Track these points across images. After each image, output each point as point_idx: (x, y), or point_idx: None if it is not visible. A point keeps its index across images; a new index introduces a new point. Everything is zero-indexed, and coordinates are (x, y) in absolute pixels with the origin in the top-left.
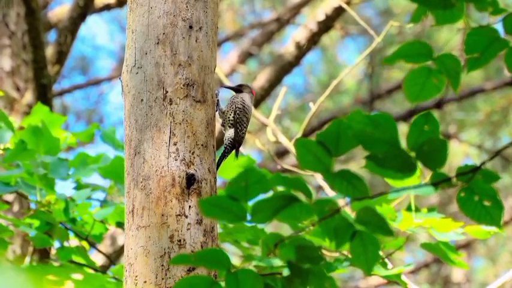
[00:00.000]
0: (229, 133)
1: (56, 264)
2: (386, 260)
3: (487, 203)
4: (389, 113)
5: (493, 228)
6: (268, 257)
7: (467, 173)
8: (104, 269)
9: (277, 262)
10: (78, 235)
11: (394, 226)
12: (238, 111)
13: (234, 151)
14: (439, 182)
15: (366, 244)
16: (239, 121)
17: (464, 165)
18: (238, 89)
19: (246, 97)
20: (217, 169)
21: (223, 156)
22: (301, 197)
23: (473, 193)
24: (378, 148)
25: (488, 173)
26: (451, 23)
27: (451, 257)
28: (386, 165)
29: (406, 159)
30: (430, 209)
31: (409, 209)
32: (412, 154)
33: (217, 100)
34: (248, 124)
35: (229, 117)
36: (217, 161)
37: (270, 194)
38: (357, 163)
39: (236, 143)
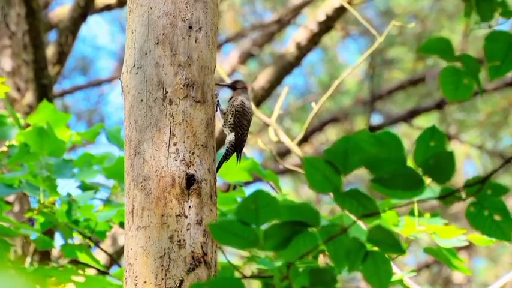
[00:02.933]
0: (230, 137)
1: (56, 265)
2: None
3: (497, 217)
4: (395, 133)
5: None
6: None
7: (475, 184)
8: (106, 269)
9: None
10: (82, 234)
11: (397, 231)
12: (238, 115)
13: (235, 154)
14: (447, 195)
15: (378, 264)
16: (239, 125)
17: (473, 177)
18: (231, 86)
19: (244, 97)
20: (217, 171)
21: (224, 159)
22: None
23: (482, 208)
24: (384, 169)
25: (496, 185)
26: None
27: (453, 262)
28: (394, 185)
29: (413, 177)
30: (433, 215)
31: (412, 213)
32: (419, 170)
33: (218, 100)
34: (249, 126)
35: (229, 121)
36: (218, 163)
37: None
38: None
39: (237, 146)
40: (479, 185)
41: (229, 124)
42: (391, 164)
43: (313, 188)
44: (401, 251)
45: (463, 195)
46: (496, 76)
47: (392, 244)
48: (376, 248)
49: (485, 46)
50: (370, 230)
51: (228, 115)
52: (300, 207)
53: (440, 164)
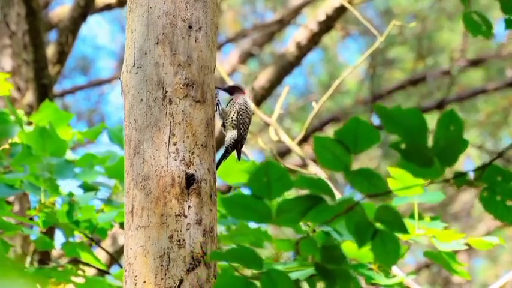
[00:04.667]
0: (232, 134)
1: (56, 265)
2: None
3: (509, 203)
4: (421, 113)
5: (495, 240)
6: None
7: (478, 169)
8: (106, 268)
9: (280, 266)
10: (84, 233)
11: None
12: (241, 112)
13: (234, 153)
14: (454, 177)
15: (386, 243)
16: (242, 122)
17: (481, 163)
18: (229, 91)
19: (247, 99)
20: (216, 169)
21: (224, 157)
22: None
23: (495, 193)
24: (403, 135)
25: (505, 172)
26: None
27: (453, 266)
28: (409, 157)
29: (426, 153)
30: (433, 218)
31: (412, 216)
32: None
33: (218, 100)
34: (250, 125)
35: (232, 118)
36: (217, 161)
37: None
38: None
39: (238, 144)
40: (482, 170)
41: (232, 121)
42: (411, 135)
43: (324, 166)
44: (406, 231)
45: (473, 180)
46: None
47: (398, 225)
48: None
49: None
50: (377, 209)
51: (230, 112)
52: (313, 182)
53: (449, 147)
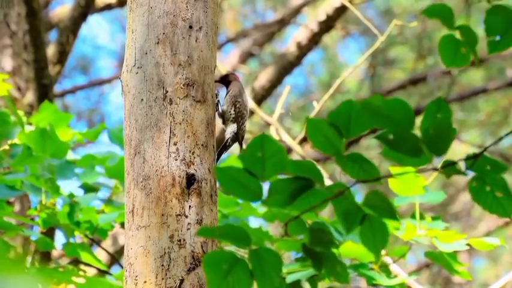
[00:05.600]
0: (232, 127)
1: (57, 265)
2: (390, 268)
3: (498, 194)
4: (405, 100)
5: (496, 241)
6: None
7: (471, 158)
8: (107, 268)
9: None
10: (84, 234)
11: (398, 236)
12: (238, 105)
13: (235, 152)
14: (447, 165)
15: (374, 228)
16: (240, 114)
17: (472, 152)
18: (224, 80)
19: (240, 88)
20: (217, 161)
21: (224, 149)
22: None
23: (484, 183)
24: (390, 128)
25: (495, 162)
26: None
27: (454, 266)
28: (396, 146)
29: (415, 143)
30: (434, 218)
31: (413, 216)
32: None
33: (218, 100)
34: (247, 116)
35: (230, 113)
36: (218, 152)
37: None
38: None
39: (239, 136)
40: (474, 159)
41: (230, 115)
42: (397, 126)
43: (317, 148)
44: (395, 217)
45: (461, 168)
46: (494, 50)
47: (388, 210)
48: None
49: (486, 19)
50: (366, 194)
51: (228, 106)
52: (305, 165)
53: (439, 136)
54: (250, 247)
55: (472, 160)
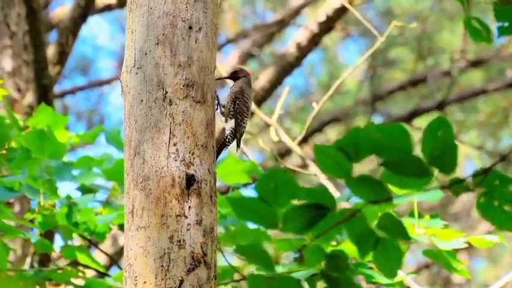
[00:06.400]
0: (231, 124)
1: (56, 267)
2: None
3: (507, 208)
4: (402, 124)
5: (495, 239)
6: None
7: (479, 174)
8: (105, 269)
9: (280, 268)
10: (82, 236)
11: None
12: (237, 101)
13: (234, 153)
14: (455, 183)
15: (388, 251)
16: (239, 111)
17: (480, 168)
18: (234, 77)
19: (244, 84)
20: (216, 158)
21: (224, 146)
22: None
23: (492, 198)
24: (392, 155)
25: (503, 177)
26: None
27: (453, 264)
28: (401, 171)
29: (419, 165)
30: (433, 216)
31: (411, 215)
32: (426, 160)
33: (218, 100)
34: (249, 113)
35: (229, 109)
36: (217, 149)
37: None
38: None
39: (237, 133)
40: (483, 175)
41: (229, 112)
42: (398, 152)
43: (326, 172)
44: (408, 238)
45: (471, 185)
46: (504, 33)
47: (400, 231)
48: (385, 235)
49: (495, 7)
50: (380, 217)
51: (228, 103)
52: (317, 191)
53: (445, 155)
54: (275, 273)
55: (482, 176)
